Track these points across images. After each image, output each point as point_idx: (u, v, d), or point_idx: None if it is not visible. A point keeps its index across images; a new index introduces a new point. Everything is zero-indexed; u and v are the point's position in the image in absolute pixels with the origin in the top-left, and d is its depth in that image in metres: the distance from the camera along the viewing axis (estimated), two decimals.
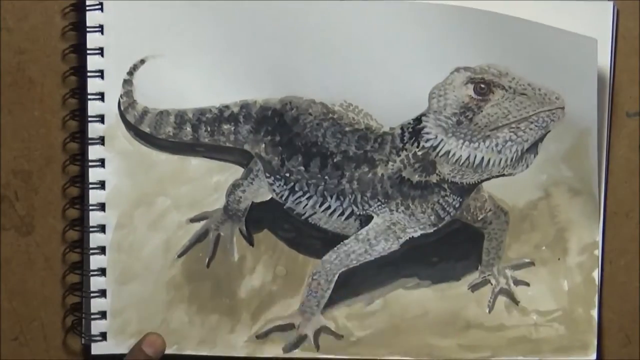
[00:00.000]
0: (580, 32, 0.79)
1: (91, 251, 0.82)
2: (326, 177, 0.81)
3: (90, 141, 0.81)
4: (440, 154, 0.79)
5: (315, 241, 0.82)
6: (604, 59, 0.80)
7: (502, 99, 0.79)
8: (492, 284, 0.83)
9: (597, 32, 0.79)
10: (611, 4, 0.81)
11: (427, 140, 0.79)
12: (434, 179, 0.80)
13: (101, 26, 0.80)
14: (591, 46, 0.79)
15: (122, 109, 0.81)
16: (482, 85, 0.79)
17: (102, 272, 0.82)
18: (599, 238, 0.82)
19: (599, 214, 0.82)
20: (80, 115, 0.82)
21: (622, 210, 0.83)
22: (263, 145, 0.81)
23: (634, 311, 0.84)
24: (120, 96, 0.81)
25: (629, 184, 0.83)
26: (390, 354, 0.82)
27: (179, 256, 0.82)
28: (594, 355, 0.82)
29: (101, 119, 0.81)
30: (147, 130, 0.81)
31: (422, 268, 0.82)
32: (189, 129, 0.81)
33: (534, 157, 0.80)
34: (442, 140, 0.79)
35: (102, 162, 0.81)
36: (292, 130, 0.81)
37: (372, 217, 0.81)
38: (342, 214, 0.81)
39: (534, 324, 0.82)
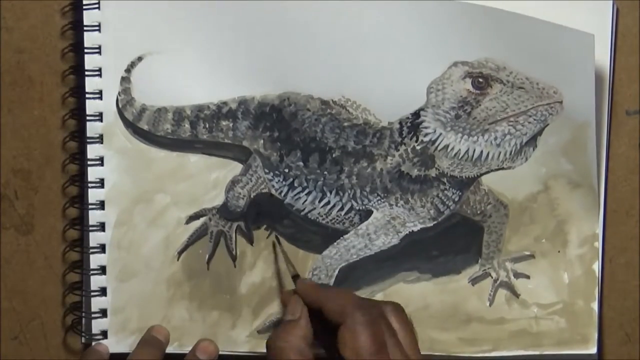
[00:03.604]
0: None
1: (91, 249, 0.82)
2: (325, 173, 0.81)
3: (89, 139, 0.81)
4: (439, 148, 0.79)
5: (315, 236, 0.82)
6: (604, 58, 0.81)
7: (500, 92, 0.79)
8: (492, 277, 0.83)
9: (596, 30, 0.79)
10: (610, 2, 0.81)
11: (426, 134, 0.80)
12: (433, 173, 0.80)
13: (99, 24, 0.80)
14: (588, 41, 0.79)
15: (120, 106, 0.81)
16: (480, 80, 0.79)
17: (102, 270, 0.82)
18: (599, 230, 0.82)
19: (598, 206, 0.82)
20: (80, 114, 0.82)
21: (622, 209, 0.83)
22: (262, 141, 0.81)
23: (634, 309, 0.84)
24: (118, 94, 0.81)
25: (629, 182, 0.83)
26: None
27: (179, 253, 0.82)
28: (594, 349, 0.82)
29: (100, 117, 0.81)
30: (146, 127, 0.81)
31: (422, 262, 0.82)
32: (187, 125, 0.81)
33: (533, 150, 0.80)
34: (440, 134, 0.79)
35: (101, 160, 0.81)
36: (290, 126, 0.81)
37: (372, 212, 0.81)
38: (341, 209, 0.81)
39: (535, 317, 0.82)
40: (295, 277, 0.79)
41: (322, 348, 0.75)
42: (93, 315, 0.82)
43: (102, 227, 0.82)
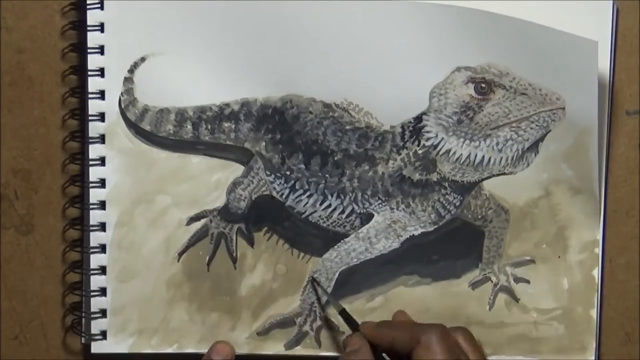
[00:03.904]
0: (580, 31, 0.79)
1: (91, 249, 0.82)
2: (327, 176, 0.81)
3: (90, 139, 0.81)
4: (440, 153, 0.80)
5: (315, 239, 0.82)
6: (604, 58, 0.81)
7: (502, 98, 0.79)
8: (492, 282, 0.83)
9: (597, 30, 0.79)
10: (611, 3, 0.81)
11: (428, 138, 0.80)
12: (434, 177, 0.80)
13: (102, 24, 0.80)
14: (592, 48, 0.79)
15: (122, 107, 0.81)
16: (483, 85, 0.79)
17: (103, 270, 0.82)
18: (599, 236, 0.82)
19: (599, 212, 0.82)
20: (80, 114, 0.82)
21: (622, 209, 0.84)
22: (263, 143, 0.81)
23: (634, 309, 0.84)
24: (121, 94, 0.81)
25: (629, 182, 0.83)
26: None
27: (180, 254, 0.82)
28: (592, 357, 0.83)
29: (102, 117, 0.81)
30: (148, 128, 0.81)
31: (422, 266, 0.82)
32: (189, 126, 0.81)
33: (535, 156, 0.80)
34: (442, 138, 0.79)
35: (102, 161, 0.81)
36: (292, 129, 0.81)
37: (373, 215, 0.81)
38: (342, 212, 0.81)
39: (534, 322, 0.83)
40: (342, 312, 0.79)
41: None
42: (93, 316, 0.82)
43: (102, 227, 0.82)
